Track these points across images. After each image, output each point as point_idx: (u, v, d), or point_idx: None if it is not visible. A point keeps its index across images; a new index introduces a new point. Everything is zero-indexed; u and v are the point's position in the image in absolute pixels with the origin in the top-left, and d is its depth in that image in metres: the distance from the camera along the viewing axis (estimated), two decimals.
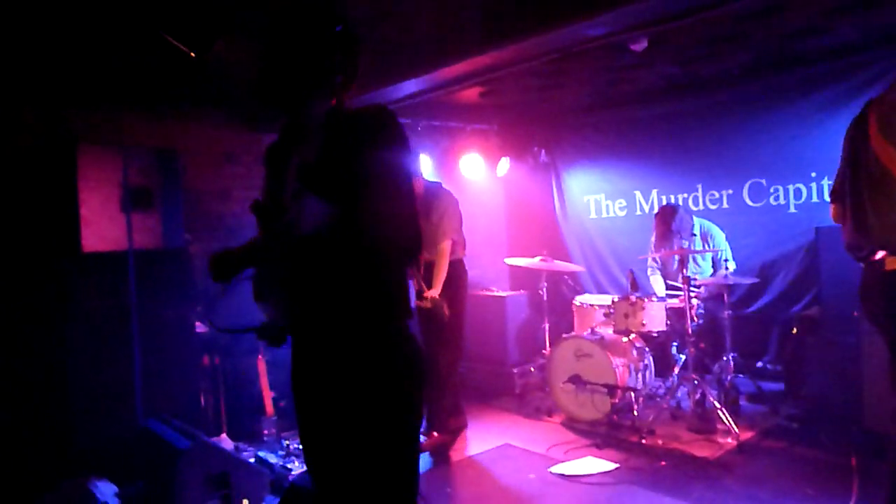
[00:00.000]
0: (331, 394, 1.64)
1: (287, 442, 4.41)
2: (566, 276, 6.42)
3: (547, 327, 5.48)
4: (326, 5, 1.65)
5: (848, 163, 2.68)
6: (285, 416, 4.93)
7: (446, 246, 4.37)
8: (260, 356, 4.96)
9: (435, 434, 4.47)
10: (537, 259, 5.35)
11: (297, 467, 3.96)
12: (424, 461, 4.34)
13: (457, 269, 4.54)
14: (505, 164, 6.65)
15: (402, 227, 1.58)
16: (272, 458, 4.14)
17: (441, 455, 4.37)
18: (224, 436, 4.63)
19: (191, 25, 2.59)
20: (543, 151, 6.81)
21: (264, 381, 4.92)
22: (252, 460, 4.14)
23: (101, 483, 3.77)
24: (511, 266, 6.08)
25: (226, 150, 5.28)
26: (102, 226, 4.14)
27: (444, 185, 4.65)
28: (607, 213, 6.52)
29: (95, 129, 4.34)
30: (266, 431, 4.81)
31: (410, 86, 4.56)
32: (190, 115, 4.87)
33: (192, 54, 2.24)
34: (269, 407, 4.89)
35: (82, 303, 4.07)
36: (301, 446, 1.80)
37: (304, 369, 1.73)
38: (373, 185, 1.53)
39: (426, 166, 6.31)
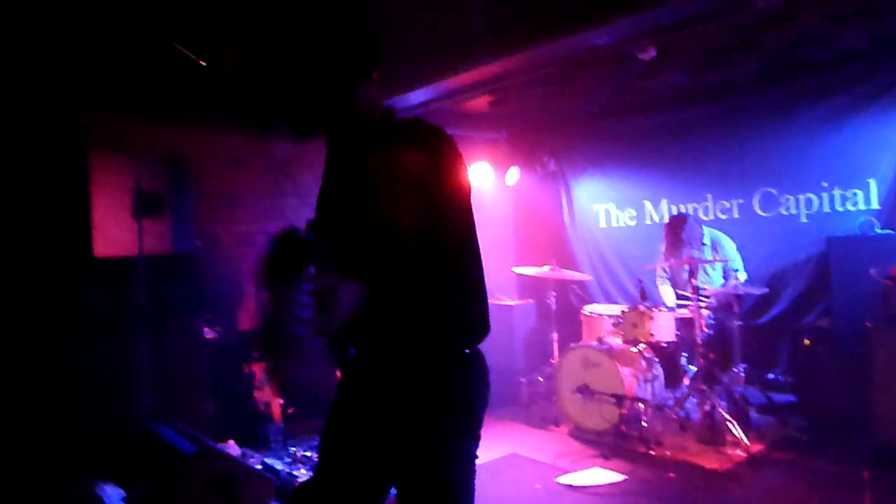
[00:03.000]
0: (383, 417, 1.54)
1: (294, 449, 4.41)
2: (574, 286, 6.40)
3: (555, 336, 5.46)
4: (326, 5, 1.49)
5: None
6: (292, 424, 4.93)
7: None
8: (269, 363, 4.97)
9: None
10: (546, 268, 5.33)
11: (303, 475, 3.96)
12: None
13: None
14: (514, 172, 6.65)
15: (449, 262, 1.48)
16: (279, 465, 4.14)
17: None
18: (231, 442, 4.63)
19: (199, 34, 2.62)
20: (552, 160, 6.81)
21: (272, 388, 4.93)
22: (259, 467, 4.14)
23: (108, 486, 3.78)
24: (519, 275, 6.07)
25: (235, 156, 5.31)
26: (114, 231, 4.16)
27: None
28: (616, 222, 6.50)
29: (107, 136, 4.38)
30: (273, 438, 4.81)
31: (418, 95, 4.59)
32: (199, 122, 4.91)
33: (202, 63, 2.25)
34: (277, 414, 4.90)
35: (92, 306, 4.11)
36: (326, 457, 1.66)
37: (358, 389, 1.62)
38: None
39: None
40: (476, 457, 1.59)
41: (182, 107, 4.57)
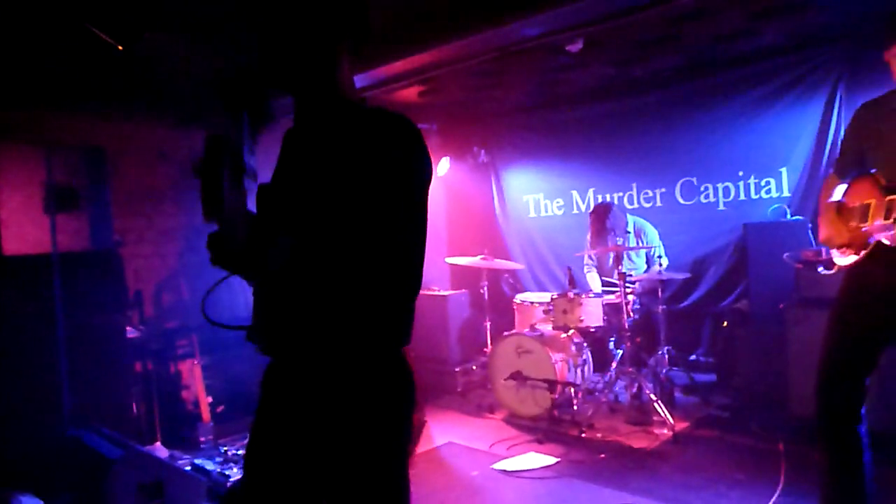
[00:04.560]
0: (307, 422, 1.46)
1: (225, 448, 4.30)
2: (507, 275, 6.48)
3: (488, 325, 5.52)
4: None
5: None
6: (222, 422, 4.81)
7: None
8: (195, 361, 4.83)
9: None
10: (478, 258, 5.38)
11: (235, 474, 3.86)
12: None
13: None
14: (445, 163, 6.67)
15: (395, 266, 1.39)
16: (209, 465, 4.02)
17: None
18: (158, 444, 4.48)
19: (118, 18, 2.48)
20: (483, 151, 6.86)
21: (200, 387, 4.79)
22: (188, 468, 4.01)
23: (25, 498, 3.58)
24: (452, 265, 6.09)
25: (158, 147, 5.10)
26: (24, 227, 3.95)
27: None
28: (546, 211, 6.62)
29: (16, 126, 4.13)
30: (203, 438, 4.68)
31: None
32: (119, 112, 4.69)
33: (120, 47, 2.14)
34: (206, 413, 4.76)
35: (3, 307, 3.87)
36: (249, 462, 1.57)
37: (281, 389, 1.53)
38: (364, 216, 1.34)
39: None
40: (407, 463, 1.56)
41: (99, 96, 4.34)
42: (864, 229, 2.50)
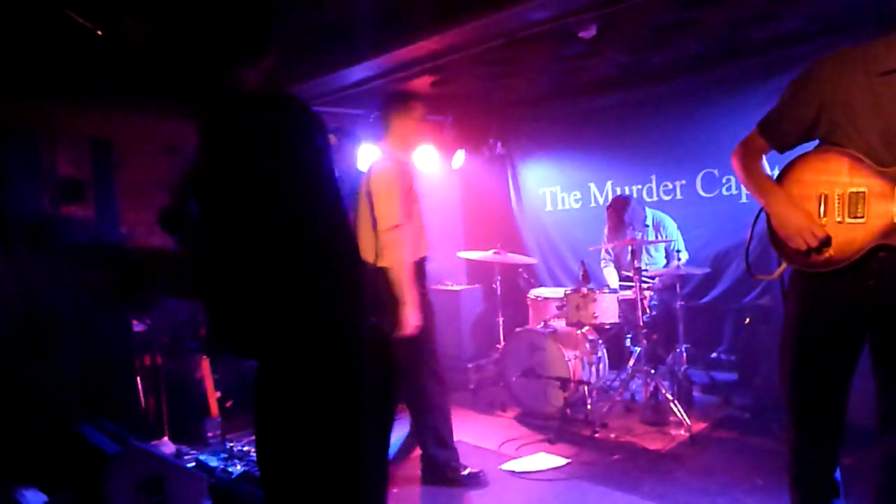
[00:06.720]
0: (273, 400, 1.60)
1: (231, 444, 4.25)
2: (521, 269, 6.34)
3: (501, 321, 5.40)
4: None
5: None
6: (231, 418, 4.76)
7: (393, 236, 3.09)
8: (204, 355, 4.78)
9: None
10: (490, 252, 5.25)
11: (238, 470, 3.81)
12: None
13: (419, 269, 3.53)
14: (460, 156, 6.53)
15: (309, 230, 1.50)
16: (213, 462, 3.98)
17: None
18: (165, 439, 4.44)
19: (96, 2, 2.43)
20: (499, 143, 6.71)
21: (209, 382, 4.75)
22: (193, 464, 3.97)
23: (30, 492, 3.57)
24: (468, 259, 5.98)
25: (167, 140, 5.05)
26: (31, 219, 3.93)
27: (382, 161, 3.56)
28: (563, 205, 6.46)
29: (21, 118, 4.10)
30: (210, 433, 4.63)
31: (356, 72, 4.43)
32: (127, 104, 4.63)
33: (99, 32, 2.08)
34: (214, 408, 4.71)
35: (7, 301, 3.85)
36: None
37: (259, 377, 1.66)
38: (268, 190, 1.46)
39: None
40: (360, 427, 1.62)
41: (105, 88, 4.30)
42: (855, 224, 1.99)
